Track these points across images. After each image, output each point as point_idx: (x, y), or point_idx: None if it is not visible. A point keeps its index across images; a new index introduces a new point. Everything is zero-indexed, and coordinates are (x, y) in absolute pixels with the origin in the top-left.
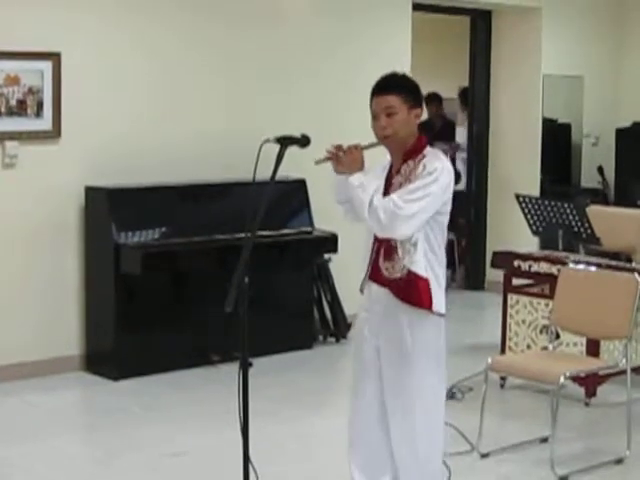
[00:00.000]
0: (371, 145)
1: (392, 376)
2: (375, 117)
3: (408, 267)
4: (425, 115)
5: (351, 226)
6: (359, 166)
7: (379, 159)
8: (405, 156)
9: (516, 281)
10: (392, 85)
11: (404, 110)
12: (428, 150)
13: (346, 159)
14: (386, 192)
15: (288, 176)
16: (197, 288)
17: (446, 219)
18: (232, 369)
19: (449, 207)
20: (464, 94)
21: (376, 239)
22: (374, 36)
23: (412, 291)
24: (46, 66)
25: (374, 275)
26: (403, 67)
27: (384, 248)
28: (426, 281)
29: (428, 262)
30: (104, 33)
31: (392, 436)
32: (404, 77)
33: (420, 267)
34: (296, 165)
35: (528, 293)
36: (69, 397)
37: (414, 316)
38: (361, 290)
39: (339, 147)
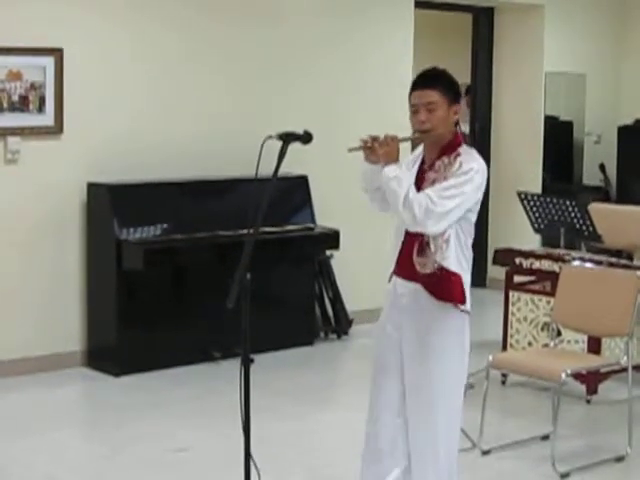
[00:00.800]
0: (408, 138)
1: (415, 372)
2: (415, 111)
3: (440, 263)
4: None
5: (353, 223)
6: (394, 158)
7: (406, 152)
8: (440, 152)
9: (518, 278)
10: (434, 80)
11: (444, 106)
12: (464, 148)
13: (382, 150)
14: (418, 186)
15: (290, 173)
16: (199, 284)
17: (475, 217)
18: (233, 365)
19: (479, 206)
20: (468, 91)
21: (408, 234)
22: (376, 34)
23: (444, 286)
24: (48, 62)
25: (401, 270)
26: (405, 65)
27: (418, 243)
28: (458, 276)
29: (458, 259)
30: (106, 29)
31: (410, 431)
32: (445, 73)
33: (452, 263)
34: (298, 162)
35: (530, 290)
36: (70, 393)
37: (441, 312)
38: (389, 281)
39: (375, 137)
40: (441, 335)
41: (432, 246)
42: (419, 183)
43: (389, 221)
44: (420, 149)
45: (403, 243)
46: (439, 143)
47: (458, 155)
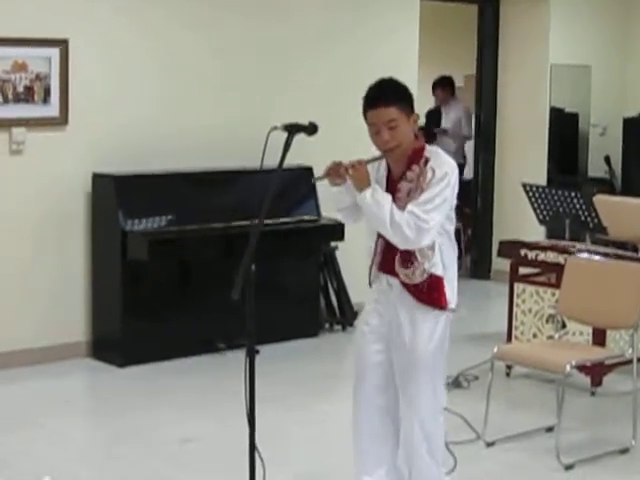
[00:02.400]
0: (374, 159)
1: (401, 367)
2: (377, 131)
3: (429, 271)
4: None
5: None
6: (367, 181)
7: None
8: (409, 162)
9: (522, 270)
10: (389, 96)
11: (404, 120)
12: (428, 150)
13: (354, 177)
14: (392, 198)
15: (295, 164)
16: (204, 275)
17: (452, 209)
18: (238, 356)
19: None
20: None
21: (382, 241)
22: (382, 26)
23: (433, 294)
24: (53, 53)
25: (386, 268)
26: (411, 57)
27: (400, 256)
28: (442, 279)
29: (442, 259)
30: (111, 20)
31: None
32: (396, 84)
33: (439, 268)
34: (303, 153)
35: (534, 282)
36: (75, 383)
37: (428, 311)
38: (371, 282)
39: (338, 164)
40: (427, 332)
41: (419, 256)
42: (393, 194)
43: None
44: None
45: (378, 247)
46: (405, 155)
47: (427, 161)
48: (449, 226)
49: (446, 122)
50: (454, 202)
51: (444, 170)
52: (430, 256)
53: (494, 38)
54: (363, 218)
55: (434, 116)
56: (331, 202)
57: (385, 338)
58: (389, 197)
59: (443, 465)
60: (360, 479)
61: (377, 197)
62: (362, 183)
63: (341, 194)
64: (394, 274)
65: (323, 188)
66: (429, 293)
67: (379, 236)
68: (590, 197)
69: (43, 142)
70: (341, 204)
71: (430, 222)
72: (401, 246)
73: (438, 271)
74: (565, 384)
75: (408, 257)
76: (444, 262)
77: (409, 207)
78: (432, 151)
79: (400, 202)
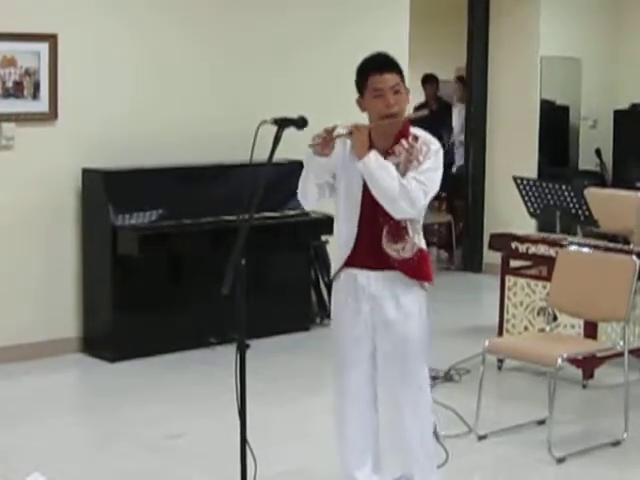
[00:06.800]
0: (372, 125)
1: (391, 356)
2: (380, 95)
3: (418, 245)
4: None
5: None
6: (367, 147)
7: None
8: (398, 135)
9: (514, 263)
10: (392, 64)
11: (404, 89)
12: (414, 129)
13: (356, 142)
14: None
15: (285, 158)
16: (194, 270)
17: None
18: (229, 351)
19: None
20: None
21: (364, 225)
22: (372, 20)
23: (422, 267)
24: (43, 48)
25: (363, 262)
26: (401, 51)
27: (390, 231)
28: (427, 254)
29: (421, 235)
30: (101, 15)
31: (391, 417)
32: (392, 57)
33: (422, 242)
34: (293, 147)
35: (526, 275)
36: (66, 379)
37: (413, 295)
38: (332, 279)
39: (332, 129)
40: (416, 316)
41: (410, 231)
42: None
43: None
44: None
45: (359, 235)
46: (396, 128)
47: (416, 137)
48: None
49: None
50: None
51: (435, 145)
52: (419, 230)
53: (484, 30)
54: (324, 202)
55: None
56: (308, 176)
57: (369, 330)
58: (390, 162)
59: (435, 457)
60: (351, 474)
61: (383, 162)
62: (364, 148)
63: (322, 167)
64: (376, 267)
65: None
66: (419, 267)
67: (361, 220)
68: (581, 190)
69: (33, 137)
70: (319, 179)
71: (430, 188)
72: (400, 213)
73: (424, 245)
74: (557, 377)
75: (397, 232)
76: (422, 237)
77: (411, 174)
78: (418, 130)
79: None
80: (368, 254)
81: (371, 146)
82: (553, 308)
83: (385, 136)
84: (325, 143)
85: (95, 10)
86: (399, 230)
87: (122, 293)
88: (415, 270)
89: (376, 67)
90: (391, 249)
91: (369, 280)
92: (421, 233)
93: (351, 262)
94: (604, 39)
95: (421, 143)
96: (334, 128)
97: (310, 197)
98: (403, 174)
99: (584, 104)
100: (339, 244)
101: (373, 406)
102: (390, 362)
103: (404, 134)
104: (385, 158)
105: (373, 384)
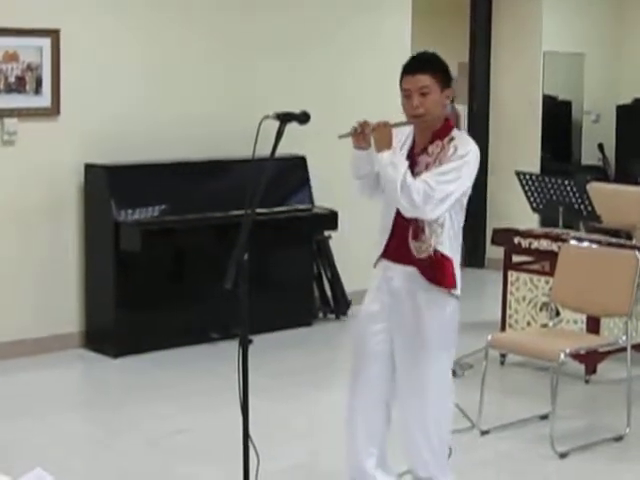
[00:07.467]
0: (401, 123)
1: (406, 357)
2: (408, 96)
3: (435, 247)
4: None
5: (351, 204)
6: (388, 144)
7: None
8: (433, 136)
9: (516, 258)
10: (426, 65)
11: (437, 90)
12: (456, 132)
13: (375, 136)
14: (410, 170)
15: (289, 153)
16: (196, 265)
17: (466, 200)
18: (232, 346)
19: (471, 190)
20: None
21: (399, 218)
22: (374, 16)
23: (437, 271)
24: (45, 43)
25: (392, 254)
26: (404, 46)
27: (412, 228)
28: (451, 261)
29: (451, 242)
30: (103, 10)
31: (401, 412)
32: (436, 57)
33: (446, 247)
34: (296, 142)
35: (528, 270)
36: (69, 374)
37: (433, 297)
38: (375, 265)
39: (365, 123)
40: (433, 318)
41: (427, 231)
42: (411, 167)
43: None
44: (409, 130)
45: (394, 227)
46: (431, 128)
47: (452, 139)
48: (461, 217)
49: None
50: (469, 191)
51: (467, 149)
52: (438, 233)
53: (487, 25)
54: (379, 194)
55: None
56: (351, 168)
57: (387, 326)
58: (406, 163)
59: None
60: (360, 466)
61: (394, 159)
62: (383, 144)
63: (361, 160)
64: (401, 261)
65: (317, 178)
66: (435, 270)
67: (397, 214)
68: (584, 185)
69: (35, 132)
70: (360, 171)
71: (438, 192)
72: (407, 212)
73: (445, 250)
74: (559, 372)
75: (418, 231)
76: (452, 245)
77: (423, 176)
78: (459, 134)
79: (417, 176)
80: (398, 247)
81: (413, 144)
82: (556, 303)
83: (422, 134)
84: (356, 137)
85: (97, 5)
86: (417, 229)
87: (124, 288)
88: (430, 272)
89: (408, 67)
90: (413, 246)
91: (393, 273)
92: (443, 237)
93: (385, 253)
94: (607, 34)
95: (452, 145)
96: (365, 122)
97: (359, 189)
98: None
99: (587, 99)
100: (379, 233)
101: (385, 402)
102: (401, 361)
103: (441, 134)
104: (419, 157)
105: (389, 381)
